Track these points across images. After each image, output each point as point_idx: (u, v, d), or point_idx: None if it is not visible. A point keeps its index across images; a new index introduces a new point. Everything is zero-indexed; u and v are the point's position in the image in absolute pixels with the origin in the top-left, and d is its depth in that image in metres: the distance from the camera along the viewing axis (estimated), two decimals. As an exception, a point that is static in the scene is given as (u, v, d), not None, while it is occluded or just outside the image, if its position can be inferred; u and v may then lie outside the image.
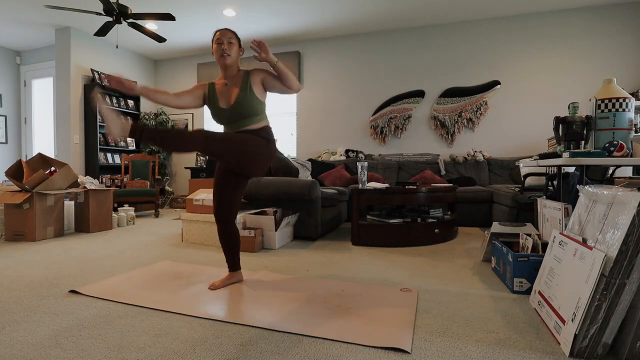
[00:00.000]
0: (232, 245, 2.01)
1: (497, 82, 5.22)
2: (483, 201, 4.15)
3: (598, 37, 4.87)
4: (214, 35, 1.91)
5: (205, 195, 3.27)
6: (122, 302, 1.74)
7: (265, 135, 1.89)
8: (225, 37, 1.88)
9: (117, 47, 4.58)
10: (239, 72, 1.95)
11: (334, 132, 5.95)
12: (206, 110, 6.73)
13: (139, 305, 1.70)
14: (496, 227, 2.51)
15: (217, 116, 1.91)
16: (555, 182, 2.80)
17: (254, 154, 1.81)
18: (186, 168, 6.10)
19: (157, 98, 1.84)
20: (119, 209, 4.45)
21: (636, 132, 3.96)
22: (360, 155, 5.51)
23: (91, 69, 5.74)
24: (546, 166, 2.67)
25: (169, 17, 4.06)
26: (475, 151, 5.10)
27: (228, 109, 1.87)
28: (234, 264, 2.03)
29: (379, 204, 3.18)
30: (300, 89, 1.90)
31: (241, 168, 1.83)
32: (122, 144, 6.23)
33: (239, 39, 1.96)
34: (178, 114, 6.89)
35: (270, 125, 1.97)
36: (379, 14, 5.11)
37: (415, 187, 3.14)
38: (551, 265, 1.58)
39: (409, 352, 1.26)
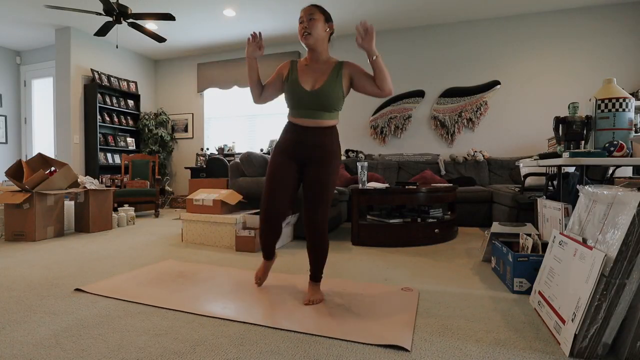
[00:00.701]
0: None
1: (497, 82, 5.22)
2: (483, 201, 4.15)
3: (598, 37, 4.87)
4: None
5: (205, 195, 3.27)
6: (126, 300, 1.74)
7: (334, 140, 1.78)
8: (306, 15, 1.70)
9: (117, 47, 4.58)
10: (330, 60, 1.79)
11: (334, 132, 5.94)
12: (206, 110, 6.73)
13: (143, 304, 1.70)
14: (496, 227, 2.51)
15: (295, 97, 1.73)
16: (555, 182, 2.80)
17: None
18: (186, 168, 6.10)
19: (258, 88, 1.81)
20: (119, 209, 4.45)
21: (636, 132, 3.96)
22: (360, 155, 5.51)
23: (91, 69, 5.74)
24: (546, 166, 2.67)
25: (169, 17, 4.06)
26: (475, 151, 5.10)
27: (310, 93, 1.71)
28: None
29: (379, 204, 3.18)
30: (392, 93, 1.73)
31: None
32: (122, 144, 6.23)
33: (325, 14, 1.74)
34: (178, 114, 6.89)
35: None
36: (379, 13, 5.11)
37: (415, 187, 3.14)
38: (551, 265, 1.58)
39: (408, 350, 1.26)
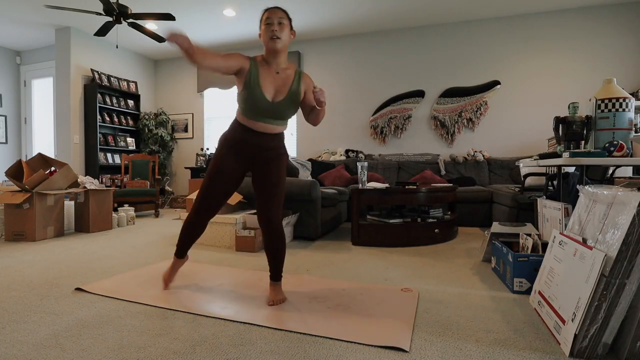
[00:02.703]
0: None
1: (497, 82, 5.22)
2: (483, 201, 4.15)
3: (598, 37, 4.87)
4: (263, 15, 1.67)
5: (205, 195, 3.27)
6: (126, 300, 1.74)
7: (283, 144, 1.81)
8: (275, 17, 1.64)
9: (117, 47, 4.58)
10: (290, 66, 1.75)
11: (334, 132, 5.95)
12: (207, 110, 6.73)
13: (143, 304, 1.70)
14: (496, 227, 2.51)
15: (255, 105, 1.66)
16: (555, 182, 2.80)
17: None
18: (186, 168, 6.11)
19: (206, 64, 1.57)
20: (119, 209, 4.45)
21: (636, 132, 3.96)
22: (360, 155, 5.51)
23: (91, 69, 5.74)
24: (546, 166, 2.67)
25: (169, 17, 4.06)
26: (475, 151, 5.10)
27: (272, 104, 1.67)
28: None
29: (379, 204, 3.18)
30: (317, 123, 1.78)
31: None
32: (122, 144, 6.23)
33: (290, 20, 1.71)
34: (178, 114, 6.89)
35: None
36: (379, 13, 5.11)
37: (415, 187, 3.14)
38: (551, 265, 1.58)
39: (407, 351, 1.26)
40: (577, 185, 1.80)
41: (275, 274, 1.79)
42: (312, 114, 1.73)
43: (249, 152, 1.75)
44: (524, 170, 3.72)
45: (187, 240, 1.88)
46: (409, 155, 5.25)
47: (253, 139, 1.73)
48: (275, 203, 1.74)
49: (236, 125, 1.76)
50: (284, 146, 1.83)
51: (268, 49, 1.68)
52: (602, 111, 2.10)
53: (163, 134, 6.55)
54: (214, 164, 1.77)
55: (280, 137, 1.79)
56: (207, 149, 6.61)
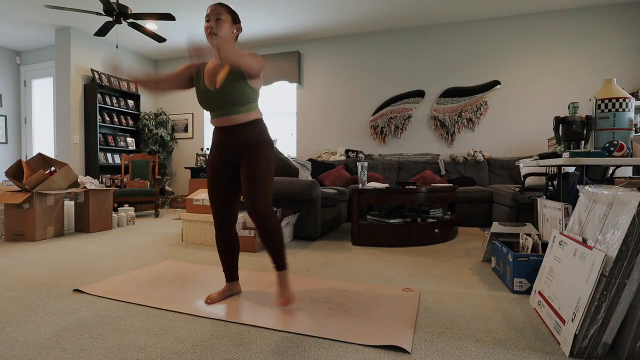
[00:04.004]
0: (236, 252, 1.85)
1: (497, 82, 5.22)
2: (483, 201, 4.15)
3: (598, 37, 4.87)
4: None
5: (205, 195, 3.27)
6: (125, 301, 1.74)
7: (260, 133, 1.71)
8: (213, 14, 1.64)
9: (117, 47, 4.58)
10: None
11: (334, 132, 5.95)
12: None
13: (142, 305, 1.70)
14: (496, 227, 2.51)
15: (202, 99, 1.71)
16: (555, 182, 2.80)
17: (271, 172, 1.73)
18: (186, 168, 6.11)
19: (158, 88, 1.74)
20: (119, 209, 4.45)
21: (636, 132, 3.96)
22: (360, 155, 5.51)
23: (91, 69, 5.74)
24: (546, 166, 2.67)
25: (169, 17, 4.06)
26: (475, 151, 5.10)
27: (214, 92, 1.67)
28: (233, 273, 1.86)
29: (379, 204, 3.18)
30: (260, 71, 1.61)
31: None
32: (122, 144, 6.23)
33: (232, 15, 1.69)
34: (178, 115, 6.89)
35: (263, 119, 1.77)
36: (379, 13, 5.11)
37: (415, 187, 3.14)
38: (551, 265, 1.58)
39: (408, 352, 1.26)
40: (577, 185, 1.80)
41: (279, 262, 1.69)
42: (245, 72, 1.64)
43: (226, 150, 1.74)
44: (524, 170, 3.72)
45: (224, 257, 1.82)
46: (409, 155, 5.25)
47: (222, 137, 1.73)
48: (257, 191, 1.65)
49: (213, 130, 1.80)
50: (261, 134, 1.73)
51: (210, 45, 1.67)
52: (602, 111, 2.10)
53: (163, 134, 6.55)
54: (207, 171, 1.80)
55: (249, 126, 1.70)
56: (207, 149, 6.61)
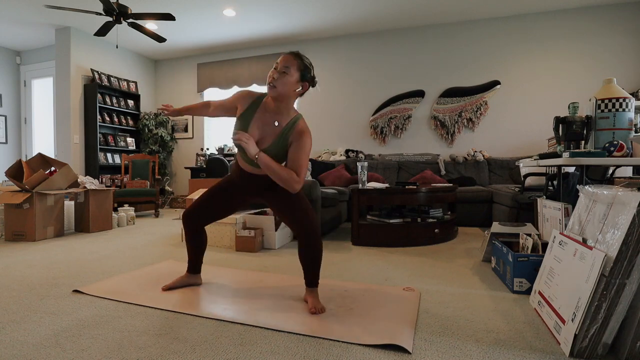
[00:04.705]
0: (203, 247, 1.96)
1: (497, 82, 5.22)
2: (483, 201, 4.15)
3: (598, 37, 4.87)
4: None
5: (205, 195, 3.27)
6: (125, 302, 1.74)
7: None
8: (281, 64, 1.55)
9: (117, 47, 4.58)
10: (289, 114, 1.64)
11: (334, 132, 5.95)
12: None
13: (142, 305, 1.69)
14: (496, 227, 2.51)
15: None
16: (555, 182, 2.80)
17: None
18: (186, 168, 6.11)
19: (200, 114, 1.86)
20: (119, 209, 4.45)
21: (636, 132, 3.95)
22: (360, 155, 5.51)
23: (91, 69, 5.74)
24: (546, 166, 2.67)
25: (169, 17, 4.06)
26: (475, 151, 5.10)
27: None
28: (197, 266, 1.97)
29: (379, 204, 3.18)
30: (296, 189, 1.60)
31: None
32: (122, 144, 6.23)
33: (302, 72, 1.58)
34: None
35: None
36: (379, 13, 5.11)
37: (415, 187, 3.14)
38: (551, 265, 1.58)
39: (409, 352, 1.26)
40: (577, 185, 1.80)
41: (315, 280, 1.70)
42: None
43: (247, 189, 1.81)
44: (524, 170, 3.72)
45: (193, 252, 1.94)
46: (409, 155, 5.25)
47: (246, 180, 1.78)
48: (299, 218, 1.65)
49: (236, 161, 1.82)
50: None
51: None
52: (602, 111, 2.10)
53: (163, 134, 6.55)
54: (213, 188, 1.86)
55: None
56: (207, 149, 6.61)
